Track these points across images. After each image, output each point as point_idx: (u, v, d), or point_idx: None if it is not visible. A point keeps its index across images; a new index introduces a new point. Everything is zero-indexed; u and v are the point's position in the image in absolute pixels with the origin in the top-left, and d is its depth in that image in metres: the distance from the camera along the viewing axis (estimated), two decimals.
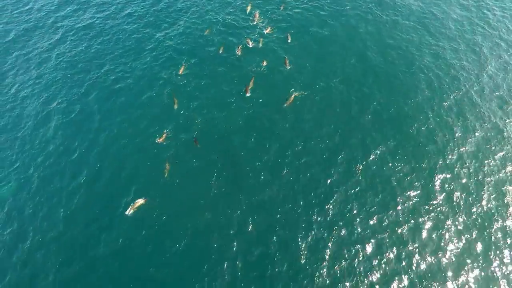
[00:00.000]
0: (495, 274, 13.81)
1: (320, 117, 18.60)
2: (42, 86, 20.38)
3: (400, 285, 13.40)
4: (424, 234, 14.69)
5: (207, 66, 21.21)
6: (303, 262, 13.80)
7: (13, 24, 24.78)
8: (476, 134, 18.25)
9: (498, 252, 14.33)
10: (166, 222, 14.73)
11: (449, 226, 14.93)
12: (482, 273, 13.81)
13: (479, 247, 14.44)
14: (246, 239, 14.32)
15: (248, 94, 19.34)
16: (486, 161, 17.21)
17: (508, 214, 15.44)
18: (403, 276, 13.59)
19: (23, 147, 17.47)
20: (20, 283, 13.39)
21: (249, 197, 15.52)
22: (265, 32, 23.26)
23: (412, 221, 15.00)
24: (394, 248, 14.24)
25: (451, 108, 19.33)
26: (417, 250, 14.24)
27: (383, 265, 13.81)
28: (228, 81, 20.25)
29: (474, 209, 15.50)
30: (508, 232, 14.92)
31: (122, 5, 26.22)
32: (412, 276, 13.61)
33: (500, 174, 16.77)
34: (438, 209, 15.44)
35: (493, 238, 14.71)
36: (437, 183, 16.30)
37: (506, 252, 14.35)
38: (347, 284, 13.35)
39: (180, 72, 20.63)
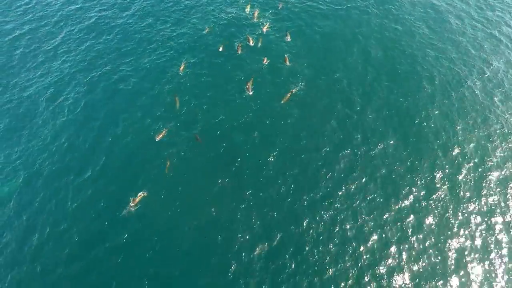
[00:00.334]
0: (496, 270, 13.95)
1: (322, 114, 18.76)
2: (46, 84, 20.66)
3: (402, 279, 13.60)
4: (426, 229, 14.85)
5: (207, 64, 21.36)
6: (307, 256, 14.02)
7: (17, 22, 25.06)
8: (478, 129, 18.35)
9: (498, 247, 14.47)
10: (171, 218, 14.97)
11: (451, 221, 15.09)
12: (483, 268, 13.96)
13: (479, 242, 14.58)
14: (251, 234, 14.55)
15: (249, 92, 19.51)
16: (488, 157, 17.30)
17: (510, 209, 15.54)
18: (405, 270, 13.79)
19: (28, 143, 17.77)
20: (30, 277, 13.70)
21: (252, 193, 15.72)
22: (265, 30, 23.35)
23: (414, 217, 15.18)
24: (397, 243, 14.43)
25: (452, 103, 19.44)
26: (419, 245, 14.42)
27: (386, 259, 14.01)
28: (228, 78, 20.40)
29: (476, 205, 15.64)
30: (510, 227, 15.04)
31: (126, 4, 26.44)
32: (414, 270, 13.80)
33: (502, 170, 16.87)
34: (440, 204, 15.59)
35: (495, 233, 14.84)
36: (439, 178, 16.43)
37: (506, 248, 14.49)
38: (351, 277, 13.56)
39: (180, 70, 20.84)
